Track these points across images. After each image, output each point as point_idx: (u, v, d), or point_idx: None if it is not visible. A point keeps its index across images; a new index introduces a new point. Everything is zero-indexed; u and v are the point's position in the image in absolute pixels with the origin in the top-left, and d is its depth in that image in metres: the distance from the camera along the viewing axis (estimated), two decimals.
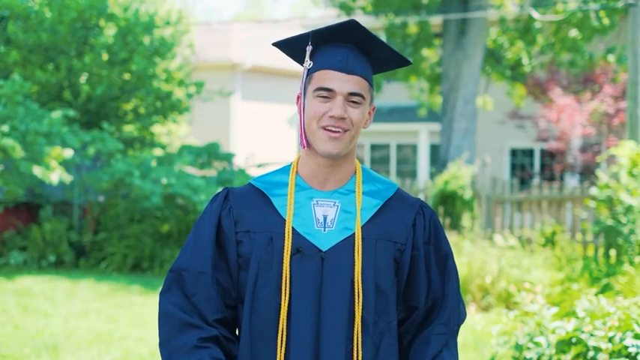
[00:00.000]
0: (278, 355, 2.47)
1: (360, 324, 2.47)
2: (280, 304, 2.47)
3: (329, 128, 2.46)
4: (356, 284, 2.47)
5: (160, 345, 2.53)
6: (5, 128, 12.37)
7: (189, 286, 2.52)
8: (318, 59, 2.50)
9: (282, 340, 2.47)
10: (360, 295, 2.47)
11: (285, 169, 2.60)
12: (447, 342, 2.56)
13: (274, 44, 2.59)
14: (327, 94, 2.46)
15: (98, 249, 13.94)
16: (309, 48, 2.51)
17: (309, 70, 2.52)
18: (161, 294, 2.57)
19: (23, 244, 13.88)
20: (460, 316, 2.61)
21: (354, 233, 2.50)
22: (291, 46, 2.57)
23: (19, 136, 12.52)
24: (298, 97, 2.57)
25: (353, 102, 2.48)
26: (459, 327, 2.61)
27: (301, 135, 2.55)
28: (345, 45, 2.51)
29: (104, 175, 13.23)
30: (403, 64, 2.61)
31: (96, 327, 8.84)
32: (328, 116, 2.46)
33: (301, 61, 2.54)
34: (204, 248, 2.54)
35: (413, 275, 2.56)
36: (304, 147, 2.54)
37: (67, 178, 12.79)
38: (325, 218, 2.52)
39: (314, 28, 2.54)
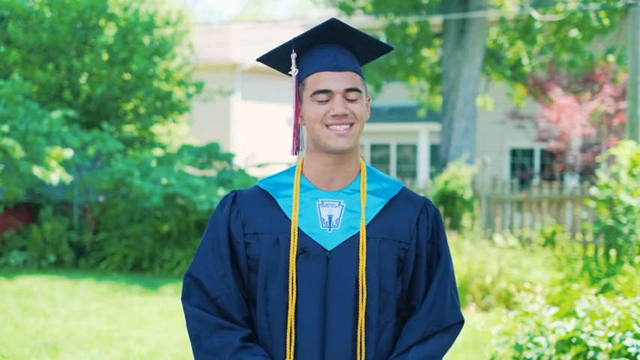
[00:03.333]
0: (287, 353, 2.51)
1: (363, 321, 2.51)
2: (288, 304, 2.51)
3: (333, 127, 2.48)
4: (360, 283, 2.50)
5: (196, 350, 2.56)
6: (5, 128, 12.37)
7: (212, 289, 2.56)
8: (306, 64, 2.53)
9: (290, 338, 2.51)
10: (365, 293, 2.50)
11: (291, 171, 2.63)
12: (423, 338, 2.53)
13: (258, 60, 2.62)
14: (325, 95, 2.49)
15: (98, 249, 13.94)
16: (293, 55, 2.53)
17: (300, 76, 2.53)
18: (183, 299, 2.61)
19: (23, 244, 13.88)
20: (443, 317, 2.56)
21: (358, 232, 2.53)
22: (276, 58, 2.59)
23: (19, 136, 12.52)
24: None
25: (351, 97, 2.50)
26: (443, 327, 2.56)
27: (294, 139, 2.57)
28: (330, 44, 2.54)
29: (104, 175, 13.23)
30: (385, 51, 2.63)
31: (96, 327, 8.84)
32: (330, 116, 2.49)
33: (287, 71, 2.56)
34: (223, 252, 2.58)
35: (415, 274, 2.59)
36: (294, 153, 2.59)
37: (67, 178, 12.79)
38: (330, 218, 2.55)
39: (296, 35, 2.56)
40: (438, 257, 2.61)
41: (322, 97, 2.49)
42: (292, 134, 2.59)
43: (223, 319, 2.54)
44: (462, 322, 2.61)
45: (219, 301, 2.54)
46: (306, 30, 2.53)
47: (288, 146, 2.64)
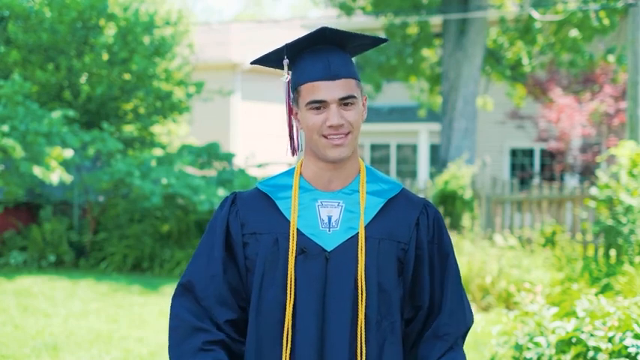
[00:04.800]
0: (283, 355, 2.50)
1: (363, 322, 2.50)
2: (285, 304, 2.50)
3: (330, 137, 2.48)
4: (359, 283, 2.50)
5: (169, 348, 2.56)
6: (5, 128, 12.37)
7: (200, 290, 2.56)
8: (299, 71, 2.53)
9: (287, 340, 2.50)
10: (364, 293, 2.49)
11: (290, 172, 2.63)
12: (451, 345, 2.60)
13: (252, 63, 2.63)
14: (320, 104, 2.49)
15: (98, 249, 13.94)
16: (285, 61, 2.53)
17: (293, 83, 2.54)
18: (173, 298, 2.62)
19: (23, 244, 13.88)
20: (465, 319, 2.63)
21: (358, 233, 2.53)
22: (270, 61, 2.60)
23: (19, 136, 12.52)
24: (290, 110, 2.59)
25: (346, 104, 2.50)
26: (463, 330, 2.63)
27: (290, 142, 2.59)
28: (322, 48, 2.53)
29: (104, 175, 13.23)
30: (379, 43, 2.62)
31: (96, 327, 8.84)
32: (327, 126, 2.49)
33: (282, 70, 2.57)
34: (216, 252, 2.58)
35: (417, 274, 2.59)
36: (293, 154, 2.60)
37: (67, 178, 12.79)
38: (330, 219, 2.55)
39: (291, 39, 2.56)
40: (446, 258, 2.61)
41: (317, 106, 2.49)
42: (288, 137, 2.60)
43: (200, 322, 2.53)
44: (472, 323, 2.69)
45: (206, 302, 2.55)
46: (299, 37, 2.52)
47: (286, 149, 2.64)
